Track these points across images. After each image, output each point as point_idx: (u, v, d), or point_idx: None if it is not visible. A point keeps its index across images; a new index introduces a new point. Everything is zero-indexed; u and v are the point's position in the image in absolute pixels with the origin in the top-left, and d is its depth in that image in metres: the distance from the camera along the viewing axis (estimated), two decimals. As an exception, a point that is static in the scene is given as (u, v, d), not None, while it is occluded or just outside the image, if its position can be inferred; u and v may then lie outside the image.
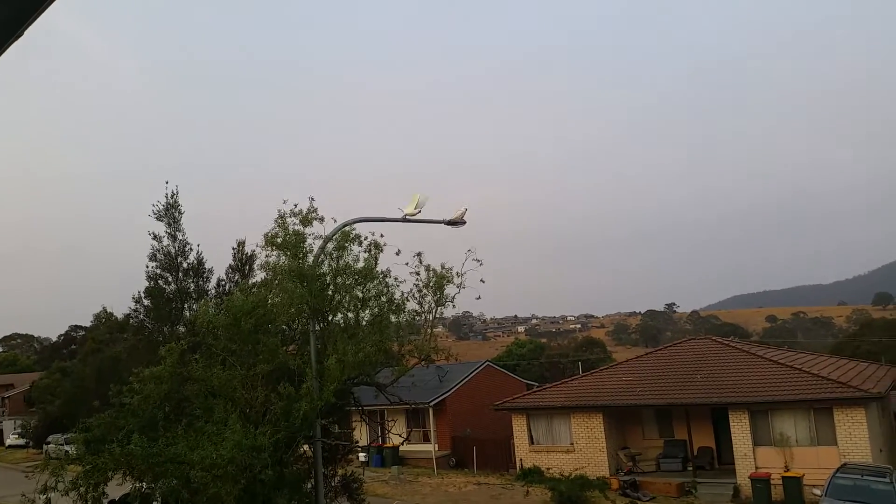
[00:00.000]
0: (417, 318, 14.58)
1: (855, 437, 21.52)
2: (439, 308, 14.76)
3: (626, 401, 25.94)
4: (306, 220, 13.45)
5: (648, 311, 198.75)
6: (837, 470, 18.35)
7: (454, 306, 14.65)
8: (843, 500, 16.46)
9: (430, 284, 14.27)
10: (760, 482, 21.02)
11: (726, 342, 30.94)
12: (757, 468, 22.25)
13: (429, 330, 14.98)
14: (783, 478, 21.10)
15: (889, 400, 28.24)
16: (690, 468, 24.76)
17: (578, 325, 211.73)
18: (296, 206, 13.36)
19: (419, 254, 14.04)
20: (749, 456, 22.74)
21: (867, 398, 21.72)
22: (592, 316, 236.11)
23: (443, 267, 14.09)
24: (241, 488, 9.75)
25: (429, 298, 14.40)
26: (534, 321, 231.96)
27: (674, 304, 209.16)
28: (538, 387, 35.13)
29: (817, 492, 17.43)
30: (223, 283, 21.62)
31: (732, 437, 23.22)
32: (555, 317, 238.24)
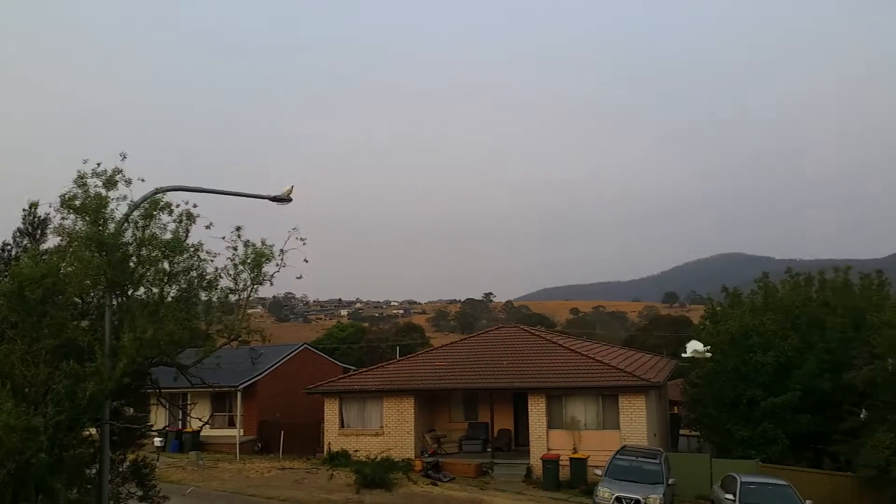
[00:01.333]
0: (232, 295, 13.94)
1: (635, 421, 23.92)
2: (256, 286, 14.27)
3: (437, 385, 26.85)
4: (110, 183, 12.29)
5: (468, 299, 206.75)
6: (617, 452, 20.35)
7: (272, 285, 14.19)
8: (619, 479, 18.31)
9: (248, 261, 13.71)
10: (551, 463, 22.75)
11: (532, 331, 32.95)
12: (549, 450, 24.02)
13: (244, 309, 14.42)
14: (571, 459, 23.00)
15: (666, 388, 31.73)
16: (490, 450, 26.19)
17: (401, 311, 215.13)
18: (98, 164, 12.14)
19: (238, 228, 13.40)
20: (543, 438, 24.48)
21: (648, 386, 24.24)
22: (416, 302, 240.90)
23: (263, 243, 13.54)
24: (9, 473, 8.83)
25: (245, 276, 13.85)
26: (358, 305, 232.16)
27: (491, 293, 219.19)
28: (355, 371, 35.28)
29: (598, 472, 19.21)
30: (8, 247, 19.40)
31: (529, 421, 24.88)
32: (379, 302, 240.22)
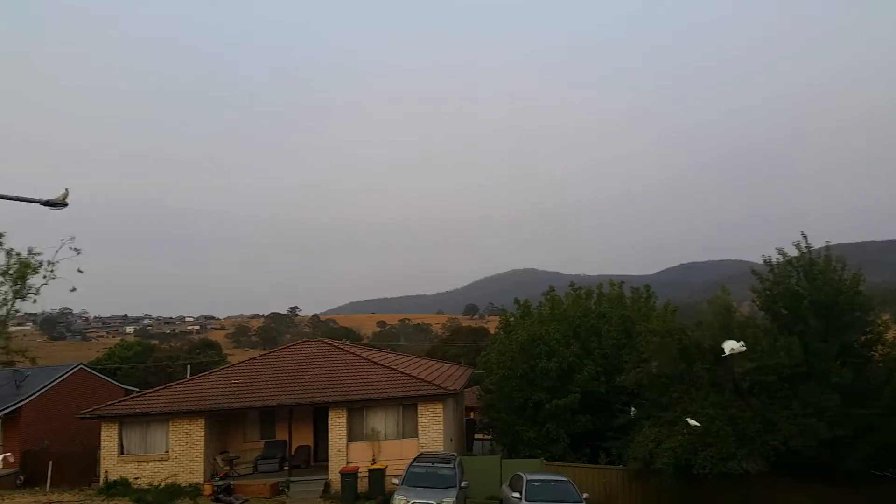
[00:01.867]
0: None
1: (433, 429, 24.48)
2: (17, 300, 12.61)
3: (231, 404, 25.43)
4: None
5: (272, 313, 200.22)
6: (414, 459, 20.66)
7: (35, 301, 12.63)
8: (415, 486, 18.58)
9: (10, 272, 12.07)
10: (349, 476, 22.51)
11: (335, 344, 32.53)
12: (348, 463, 23.79)
13: (4, 326, 12.67)
14: (370, 470, 22.95)
15: (463, 395, 32.90)
16: (287, 468, 25.36)
17: (197, 327, 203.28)
18: None
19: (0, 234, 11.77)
20: (343, 452, 24.20)
21: (445, 394, 24.93)
22: (213, 318, 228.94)
23: (30, 252, 11.98)
24: None
25: (5, 288, 12.17)
26: (146, 321, 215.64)
27: (297, 307, 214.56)
28: (138, 392, 32.47)
29: (396, 481, 19.32)
30: None
31: (329, 435, 24.47)
32: (171, 317, 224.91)
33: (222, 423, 26.43)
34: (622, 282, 33.50)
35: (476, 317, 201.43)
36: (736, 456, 21.39)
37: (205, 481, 23.60)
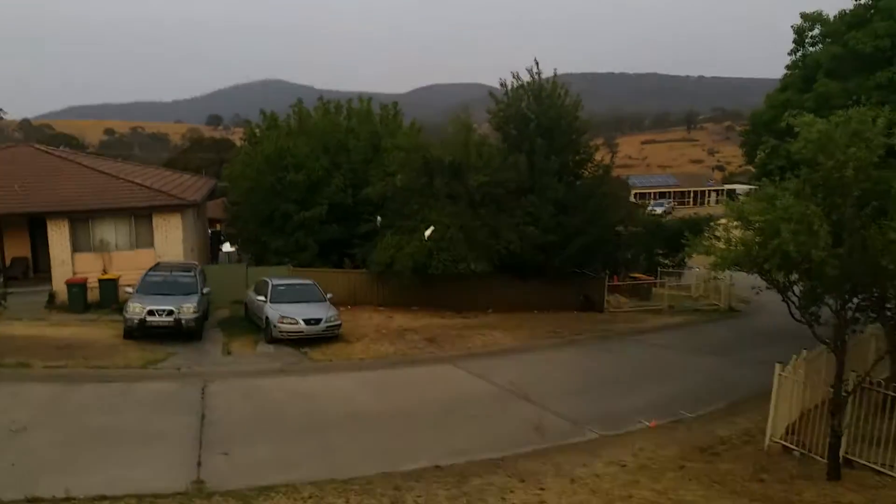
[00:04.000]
0: None
1: (170, 239, 23.50)
2: None
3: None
4: None
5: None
6: (150, 269, 19.89)
7: None
8: (152, 293, 18.04)
9: None
10: (76, 286, 21.15)
11: (51, 151, 28.94)
12: (75, 274, 22.22)
13: None
14: (100, 280, 21.73)
15: (205, 205, 31.75)
16: (1, 279, 23.00)
17: None
18: None
19: None
20: (68, 263, 22.43)
21: (184, 205, 23.79)
22: None
23: None
24: None
25: None
26: None
27: (0, 109, 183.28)
28: None
29: (130, 289, 18.55)
30: None
31: (50, 246, 22.40)
32: None
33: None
34: (370, 98, 33.53)
35: (220, 128, 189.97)
36: (466, 259, 23.91)
37: None
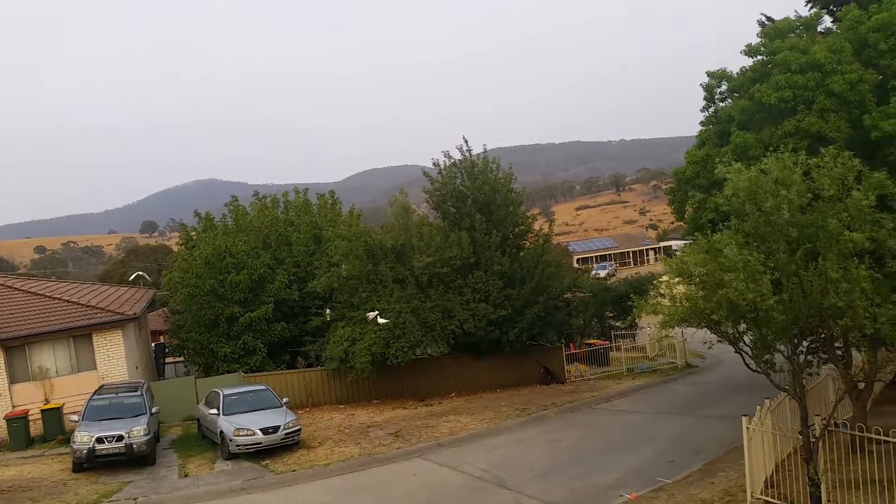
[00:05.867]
0: None
1: (113, 358, 22.49)
2: None
3: None
4: None
5: None
6: (94, 393, 18.88)
7: None
8: (99, 419, 17.07)
9: None
10: (17, 420, 19.83)
11: (-22, 277, 27.71)
12: (14, 406, 20.91)
13: None
14: (42, 411, 20.46)
15: (145, 318, 30.72)
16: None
17: None
18: None
19: None
20: (5, 395, 21.09)
21: (124, 320, 22.92)
22: None
23: None
24: None
25: None
26: None
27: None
28: None
29: (75, 417, 17.53)
30: None
31: (-17, 380, 21.10)
32: None
33: None
34: (307, 189, 33.66)
35: (156, 234, 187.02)
36: (422, 342, 23.65)
37: None
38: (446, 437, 18.21)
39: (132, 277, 37.64)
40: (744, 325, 10.33)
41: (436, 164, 27.78)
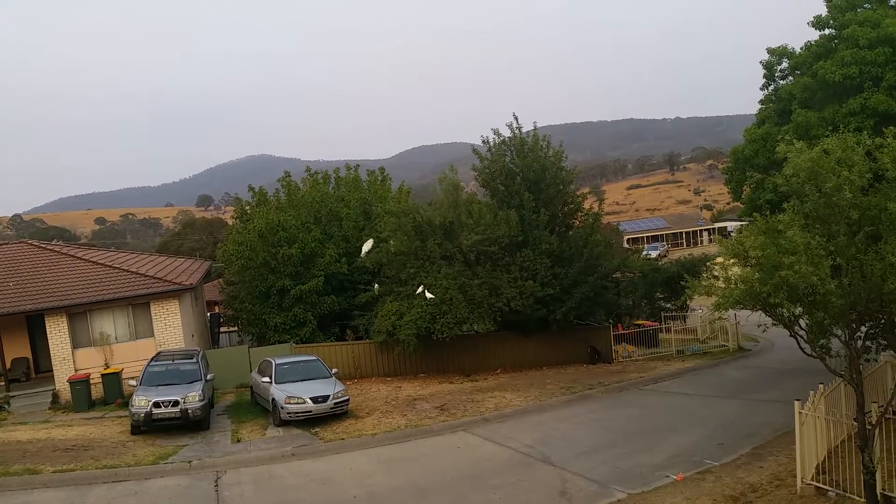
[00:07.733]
0: None
1: (170, 326, 23.30)
2: None
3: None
4: None
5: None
6: (152, 359, 19.62)
7: None
8: (156, 385, 17.75)
9: None
10: (80, 383, 20.79)
11: (44, 245, 28.90)
12: (77, 370, 21.90)
13: None
14: (103, 375, 21.40)
15: (201, 288, 31.64)
16: (3, 383, 22.63)
17: None
18: None
19: None
20: (69, 360, 22.13)
21: (180, 290, 23.69)
22: None
23: None
24: None
25: None
26: None
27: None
28: None
29: (133, 382, 18.26)
30: None
31: (49, 343, 22.14)
32: None
33: None
34: (357, 165, 33.97)
35: (211, 208, 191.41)
36: (468, 319, 23.76)
37: None
38: (491, 412, 18.35)
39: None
40: (800, 309, 10.07)
41: (485, 142, 27.66)
